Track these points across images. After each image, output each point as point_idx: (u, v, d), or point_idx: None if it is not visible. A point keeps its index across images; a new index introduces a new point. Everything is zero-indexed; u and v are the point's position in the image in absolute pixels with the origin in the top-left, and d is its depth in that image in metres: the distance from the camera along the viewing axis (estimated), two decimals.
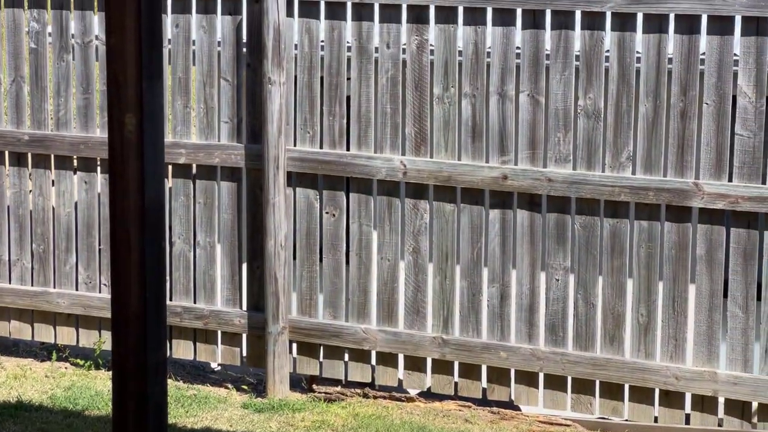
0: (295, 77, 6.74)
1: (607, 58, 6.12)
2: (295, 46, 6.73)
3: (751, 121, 5.90)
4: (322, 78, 6.67)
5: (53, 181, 7.15)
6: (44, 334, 7.30)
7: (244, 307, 6.90)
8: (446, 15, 6.41)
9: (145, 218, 3.59)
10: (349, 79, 6.61)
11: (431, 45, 6.46)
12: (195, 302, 6.98)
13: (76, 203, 7.13)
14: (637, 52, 6.08)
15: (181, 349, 7.06)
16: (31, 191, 7.19)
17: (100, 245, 7.10)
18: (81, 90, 7.04)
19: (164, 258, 3.73)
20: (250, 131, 6.78)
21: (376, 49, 6.58)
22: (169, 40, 6.96)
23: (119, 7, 3.53)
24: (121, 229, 3.62)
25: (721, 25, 5.90)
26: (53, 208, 7.16)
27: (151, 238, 3.61)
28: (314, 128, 6.70)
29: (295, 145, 6.72)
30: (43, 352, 7.48)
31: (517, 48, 6.33)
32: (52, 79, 7.09)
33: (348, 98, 6.64)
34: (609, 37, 6.14)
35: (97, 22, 7.04)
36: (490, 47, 6.37)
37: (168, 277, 6.84)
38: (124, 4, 3.52)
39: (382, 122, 6.58)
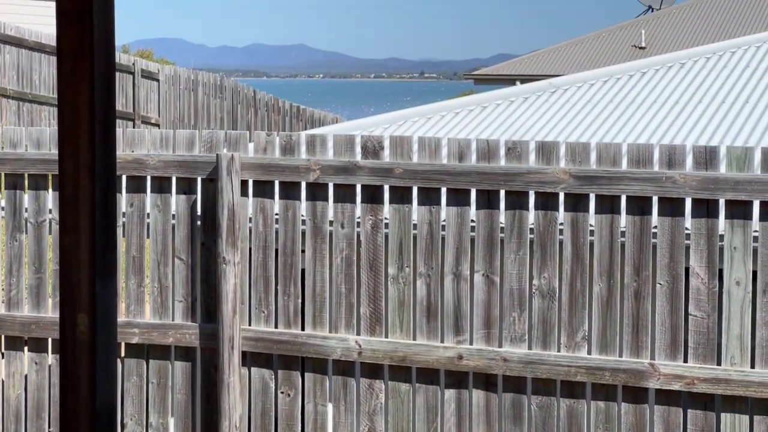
0: (250, 256, 6.74)
1: (561, 242, 6.16)
2: (250, 223, 6.74)
3: (704, 302, 5.93)
4: (277, 255, 6.67)
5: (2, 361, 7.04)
6: None
7: None
8: (401, 195, 6.46)
9: (95, 420, 3.53)
10: (303, 251, 6.61)
11: (386, 224, 6.49)
12: None
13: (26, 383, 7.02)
14: (591, 231, 6.13)
15: None
16: None
17: (50, 428, 6.97)
18: (33, 269, 6.99)
19: None
20: (204, 310, 6.74)
21: (331, 222, 6.60)
22: (123, 213, 6.95)
23: (74, 207, 3.52)
24: (72, 428, 3.56)
25: (672, 207, 5.98)
26: (2, 390, 7.05)
27: None
28: (269, 308, 6.67)
29: (250, 325, 6.68)
30: None
31: (472, 222, 6.36)
32: (4, 258, 7.04)
33: (303, 277, 6.63)
34: (563, 217, 6.19)
35: (51, 199, 7.03)
36: (444, 225, 6.40)
37: None
38: (78, 205, 3.51)
39: (337, 302, 6.57)
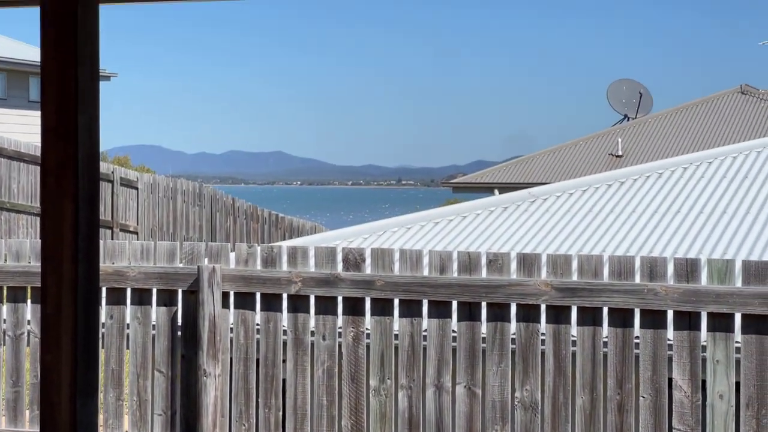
0: (231, 368, 6.69)
1: (543, 354, 6.14)
2: (231, 334, 6.71)
3: (688, 416, 5.90)
4: (258, 367, 6.62)
5: None
6: None
7: None
8: (382, 307, 6.44)
9: None
10: (284, 361, 6.57)
11: (368, 335, 6.47)
12: None
13: None
14: (573, 343, 6.11)
15: None
16: None
17: None
18: (11, 383, 6.92)
19: None
20: (184, 423, 6.67)
21: (313, 334, 6.57)
22: (103, 324, 6.91)
23: (55, 324, 3.49)
24: None
25: (654, 319, 5.97)
26: None
27: None
28: (250, 420, 6.61)
29: None
30: None
31: (454, 334, 6.34)
32: None
33: (284, 389, 6.58)
34: (544, 329, 6.18)
35: (30, 312, 6.99)
36: (426, 337, 6.38)
37: None
38: (59, 322, 3.48)
39: (318, 414, 6.51)
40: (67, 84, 3.48)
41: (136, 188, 23.57)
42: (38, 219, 22.12)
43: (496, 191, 25.19)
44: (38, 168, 22.04)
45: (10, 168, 21.56)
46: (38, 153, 22.19)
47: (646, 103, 32.91)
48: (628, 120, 32.53)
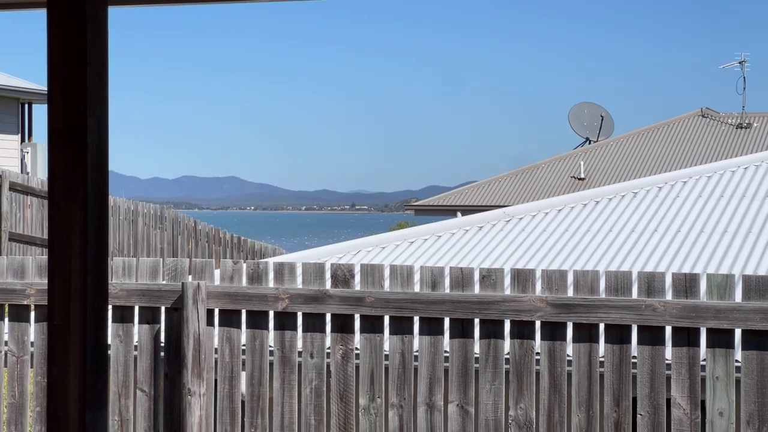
0: (215, 387, 6.53)
1: (538, 372, 6.03)
2: (215, 353, 6.55)
3: None
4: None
5: None
6: None
7: None
8: (372, 324, 6.31)
9: None
10: (271, 381, 6.42)
11: (357, 354, 6.33)
12: None
13: None
14: (569, 361, 6.01)
15: None
16: None
17: None
18: None
19: None
20: None
21: (300, 352, 6.43)
22: None
23: (63, 336, 3.34)
24: None
25: (652, 335, 5.88)
26: None
27: None
28: None
29: None
30: None
31: (446, 352, 6.22)
32: None
33: (271, 408, 6.43)
34: (539, 346, 6.07)
35: (7, 330, 6.80)
36: (417, 355, 6.25)
37: None
38: (68, 334, 3.33)
39: None
40: (76, 85, 3.34)
41: None
42: None
43: (459, 213, 25.12)
44: None
45: None
46: None
47: (608, 126, 33.03)
48: (589, 143, 32.62)
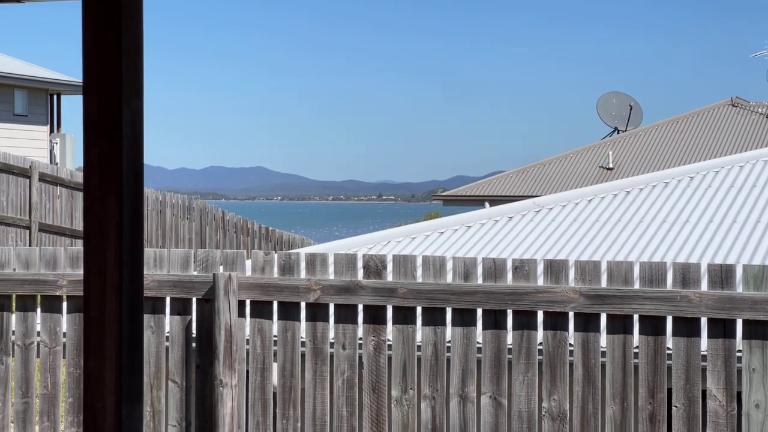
0: (247, 378, 6.52)
1: (571, 363, 5.99)
2: (247, 345, 6.54)
3: (722, 426, 5.75)
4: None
5: None
6: None
7: None
8: (404, 315, 6.29)
9: None
10: (303, 373, 6.40)
11: (389, 345, 6.31)
12: None
13: None
14: (602, 352, 5.97)
15: None
16: None
17: None
18: (20, 394, 6.74)
19: None
20: None
21: (332, 344, 6.41)
22: None
23: (99, 328, 3.32)
24: None
25: (687, 327, 5.83)
26: None
27: None
28: None
29: None
30: None
31: (478, 343, 6.19)
32: None
33: (302, 400, 6.42)
34: (572, 338, 6.03)
35: (39, 321, 6.81)
36: (449, 346, 6.22)
37: None
38: (103, 326, 3.32)
39: (338, 426, 6.35)
40: (111, 76, 3.32)
41: None
42: (27, 231, 21.90)
43: (487, 204, 25.05)
44: (27, 180, 21.81)
45: None
46: (27, 165, 21.97)
47: (637, 115, 32.87)
48: (618, 133, 32.47)
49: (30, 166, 21.93)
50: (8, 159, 21.65)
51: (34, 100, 31.12)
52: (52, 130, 31.44)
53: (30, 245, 21.26)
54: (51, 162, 30.09)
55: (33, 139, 30.87)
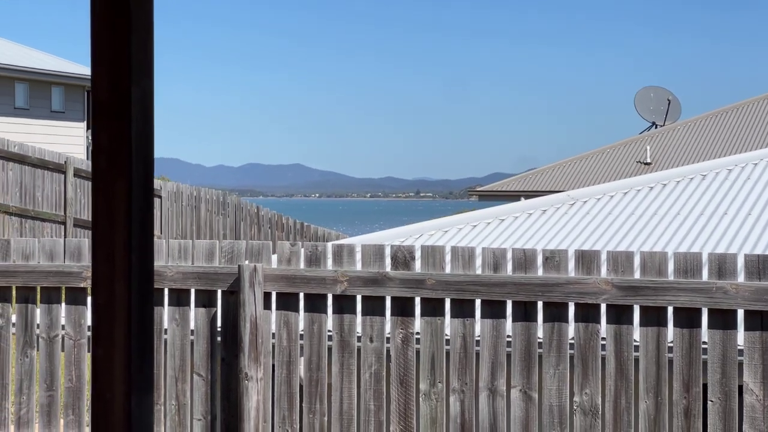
0: (273, 372, 6.41)
1: (603, 356, 5.84)
2: (272, 338, 6.43)
3: (760, 421, 5.59)
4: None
5: None
6: None
7: None
8: (433, 307, 6.15)
9: None
10: (329, 366, 6.28)
11: (417, 338, 6.18)
12: None
13: None
14: (635, 345, 5.82)
15: None
16: None
17: None
18: (45, 387, 6.65)
19: None
20: (224, 429, 6.39)
21: (359, 336, 6.29)
22: None
23: (108, 315, 3.21)
24: None
25: (723, 319, 5.66)
26: None
27: None
28: (293, 426, 6.32)
29: None
30: None
31: (508, 336, 6.06)
32: (14, 375, 6.71)
33: (329, 393, 6.30)
34: (605, 330, 5.88)
35: (64, 314, 6.72)
36: (479, 339, 6.09)
37: None
38: (113, 313, 3.21)
39: (366, 419, 6.23)
40: (120, 53, 3.20)
41: (160, 197, 23.34)
42: (62, 227, 21.91)
43: (522, 199, 24.88)
44: (62, 176, 21.81)
45: (35, 176, 21.34)
46: (62, 161, 21.97)
47: (675, 110, 32.57)
48: (656, 127, 32.18)
49: (65, 162, 21.94)
50: (44, 155, 21.67)
51: (71, 97, 31.19)
52: (88, 127, 31.51)
53: None
54: (87, 158, 30.14)
55: (70, 135, 30.94)
